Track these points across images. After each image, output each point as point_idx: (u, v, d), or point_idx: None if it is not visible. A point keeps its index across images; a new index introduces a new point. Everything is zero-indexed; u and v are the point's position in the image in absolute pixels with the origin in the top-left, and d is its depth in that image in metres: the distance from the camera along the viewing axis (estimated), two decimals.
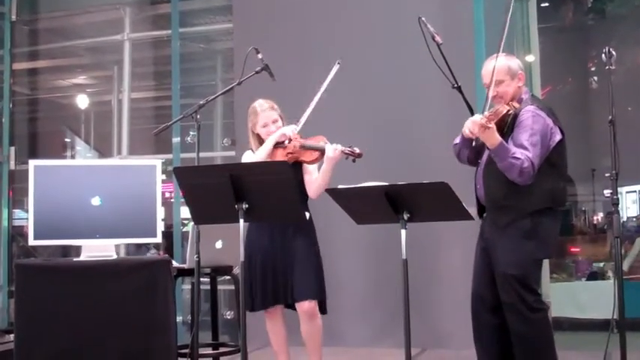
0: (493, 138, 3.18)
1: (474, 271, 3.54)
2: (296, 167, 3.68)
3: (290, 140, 3.67)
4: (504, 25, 3.39)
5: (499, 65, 3.37)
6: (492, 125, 3.15)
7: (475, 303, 3.51)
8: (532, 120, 3.28)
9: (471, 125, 3.21)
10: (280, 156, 3.67)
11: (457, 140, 3.54)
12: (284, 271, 3.68)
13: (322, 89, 3.76)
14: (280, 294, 3.70)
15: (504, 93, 3.39)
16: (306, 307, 3.64)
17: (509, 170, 3.22)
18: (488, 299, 3.44)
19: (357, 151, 3.55)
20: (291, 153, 3.66)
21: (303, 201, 3.70)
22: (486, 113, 3.21)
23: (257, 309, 3.74)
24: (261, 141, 3.82)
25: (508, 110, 3.32)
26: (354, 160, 3.57)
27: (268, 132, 3.78)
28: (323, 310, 3.76)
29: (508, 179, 3.25)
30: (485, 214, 3.52)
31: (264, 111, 3.80)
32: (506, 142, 3.27)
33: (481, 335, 3.49)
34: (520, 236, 3.30)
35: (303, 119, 3.77)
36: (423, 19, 3.62)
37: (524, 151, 3.21)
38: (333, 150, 3.56)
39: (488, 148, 3.26)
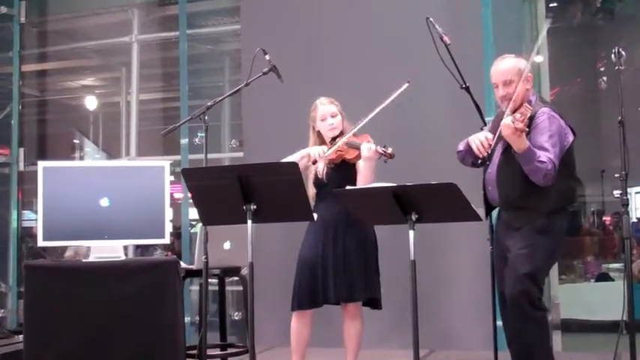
0: (523, 143, 3.15)
1: (496, 273, 3.54)
2: (347, 167, 3.71)
3: (315, 162, 3.68)
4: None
5: (509, 65, 3.37)
6: (526, 129, 3.11)
7: (503, 304, 3.48)
8: (549, 122, 3.28)
9: (504, 128, 3.14)
10: (331, 153, 3.68)
11: (461, 147, 3.55)
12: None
13: (384, 104, 3.66)
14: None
15: (514, 94, 3.35)
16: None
17: (535, 173, 3.20)
18: None
19: (389, 151, 3.54)
20: (340, 150, 3.69)
21: None
22: (517, 115, 3.12)
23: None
24: (321, 137, 3.85)
25: (529, 113, 3.24)
26: (385, 161, 3.57)
27: (326, 125, 3.80)
28: None
29: (522, 181, 3.25)
30: (489, 215, 3.52)
31: (323, 104, 3.84)
32: None
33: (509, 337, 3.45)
34: (534, 233, 3.30)
35: (356, 128, 3.73)
36: (431, 19, 3.63)
37: (545, 153, 3.20)
38: (367, 149, 3.57)
39: (515, 152, 3.21)
